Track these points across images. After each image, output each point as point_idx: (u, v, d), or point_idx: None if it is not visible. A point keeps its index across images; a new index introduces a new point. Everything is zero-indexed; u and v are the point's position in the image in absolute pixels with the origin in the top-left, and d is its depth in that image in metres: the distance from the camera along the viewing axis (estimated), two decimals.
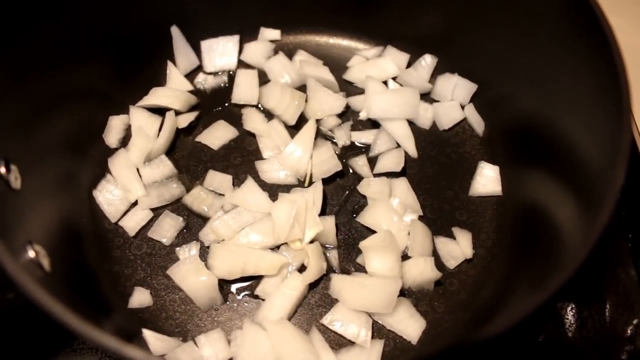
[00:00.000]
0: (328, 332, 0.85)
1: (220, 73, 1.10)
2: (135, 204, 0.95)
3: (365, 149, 1.03)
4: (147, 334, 0.82)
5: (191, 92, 1.07)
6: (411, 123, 1.04)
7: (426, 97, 1.08)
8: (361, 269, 0.90)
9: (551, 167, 0.87)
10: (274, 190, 0.97)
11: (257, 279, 0.89)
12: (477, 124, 1.04)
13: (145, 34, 1.03)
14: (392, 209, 0.93)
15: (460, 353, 0.65)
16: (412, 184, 0.97)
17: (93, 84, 0.99)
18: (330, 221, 0.92)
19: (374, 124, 1.05)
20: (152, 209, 0.95)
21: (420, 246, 0.91)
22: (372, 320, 0.85)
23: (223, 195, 0.96)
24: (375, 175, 0.99)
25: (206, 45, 1.10)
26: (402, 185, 0.97)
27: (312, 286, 0.89)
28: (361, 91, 1.07)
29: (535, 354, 0.90)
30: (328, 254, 0.92)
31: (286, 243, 0.89)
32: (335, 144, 1.02)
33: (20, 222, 0.74)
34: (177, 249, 0.92)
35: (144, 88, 1.04)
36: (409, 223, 0.92)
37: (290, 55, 1.11)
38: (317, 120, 1.02)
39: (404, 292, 0.89)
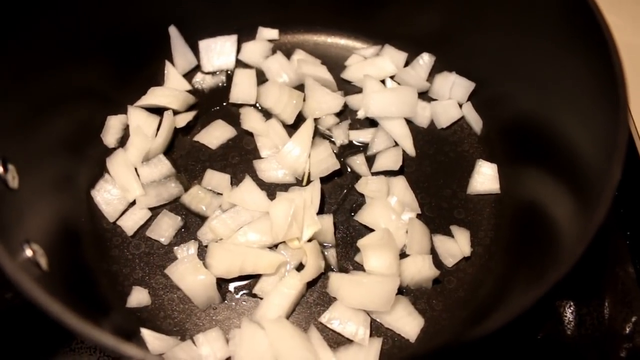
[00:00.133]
0: (326, 331, 0.85)
1: (218, 73, 1.10)
2: (133, 203, 0.95)
3: (363, 147, 1.03)
4: (146, 333, 0.82)
5: (189, 91, 1.07)
6: (409, 122, 1.04)
7: (424, 95, 1.08)
8: (359, 267, 0.90)
9: (549, 165, 0.87)
10: (272, 189, 0.97)
11: (255, 277, 0.89)
12: (475, 122, 1.04)
13: (144, 34, 1.03)
14: (390, 207, 0.94)
15: (459, 351, 0.65)
16: (410, 182, 0.97)
17: (91, 84, 0.99)
18: (328, 220, 0.92)
19: (372, 122, 1.05)
20: (151, 209, 0.95)
21: (419, 244, 0.91)
22: (370, 319, 0.85)
23: (221, 194, 0.96)
24: (373, 174, 0.99)
25: (204, 45, 1.10)
26: (400, 184, 0.97)
27: (310, 285, 0.89)
28: (359, 90, 1.07)
29: (534, 351, 0.90)
30: (326, 253, 0.92)
31: (284, 242, 0.89)
32: (333, 142, 1.02)
33: (18, 222, 0.74)
34: (175, 248, 0.92)
35: (142, 88, 1.04)
36: (407, 221, 0.92)
37: (288, 54, 1.11)
38: (315, 119, 1.02)
39: (402, 290, 0.89)
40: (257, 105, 1.06)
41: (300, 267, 0.89)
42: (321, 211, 0.95)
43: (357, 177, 0.99)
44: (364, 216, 0.94)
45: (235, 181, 0.98)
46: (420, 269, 0.88)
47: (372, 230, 0.93)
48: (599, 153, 0.71)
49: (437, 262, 0.91)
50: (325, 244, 0.92)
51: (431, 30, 1.06)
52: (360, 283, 0.85)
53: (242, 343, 0.81)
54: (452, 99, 1.06)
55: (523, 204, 0.92)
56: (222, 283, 0.89)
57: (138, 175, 0.96)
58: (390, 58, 1.09)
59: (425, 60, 1.08)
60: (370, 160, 1.01)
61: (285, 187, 0.97)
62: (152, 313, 0.87)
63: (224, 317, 0.87)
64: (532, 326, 0.91)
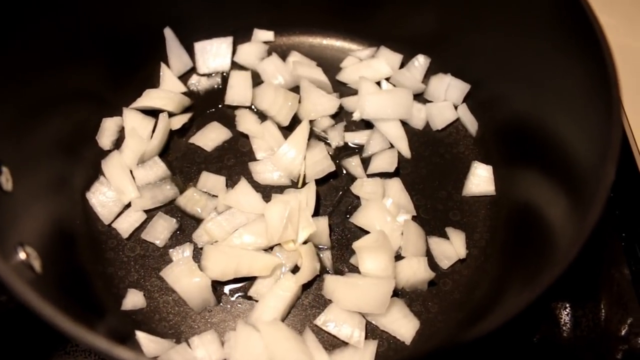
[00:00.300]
0: (322, 333, 0.85)
1: (213, 74, 1.10)
2: (128, 205, 0.95)
3: (359, 149, 1.03)
4: (141, 335, 0.82)
5: (184, 93, 1.07)
6: (404, 123, 1.04)
7: (419, 97, 1.08)
8: (354, 269, 0.90)
9: (544, 166, 0.87)
10: (267, 191, 0.97)
11: (250, 280, 0.89)
12: (470, 124, 1.04)
13: (139, 36, 1.03)
14: (385, 209, 0.93)
15: (454, 353, 0.65)
16: (406, 184, 0.97)
17: (86, 85, 0.99)
18: (323, 222, 0.92)
19: (367, 124, 1.05)
20: (146, 211, 0.95)
21: (414, 246, 0.91)
22: (365, 321, 0.85)
23: (216, 196, 0.95)
24: (369, 176, 0.99)
25: (199, 46, 1.10)
26: (396, 186, 0.97)
27: (306, 287, 0.89)
28: (354, 92, 1.07)
29: (531, 353, 0.90)
30: (321, 255, 0.91)
31: (279, 244, 0.89)
32: (328, 144, 1.02)
33: (12, 224, 0.74)
34: (171, 250, 0.91)
35: (137, 90, 1.04)
36: (403, 223, 0.92)
37: (283, 56, 1.11)
38: (311, 121, 1.02)
39: (397, 293, 0.89)
40: (253, 107, 1.06)
41: (295, 270, 0.89)
42: (316, 213, 0.95)
43: (352, 179, 0.99)
44: (359, 218, 0.94)
45: (231, 183, 0.98)
46: (415, 271, 0.88)
47: (367, 232, 0.92)
48: (593, 153, 0.71)
49: (432, 264, 0.91)
50: (320, 246, 0.92)
51: (426, 32, 1.06)
52: (355, 285, 0.85)
53: (238, 346, 0.81)
54: (448, 101, 1.06)
55: (518, 205, 0.92)
56: (217, 285, 0.88)
57: (133, 177, 0.96)
58: (386, 60, 1.09)
59: (421, 62, 1.08)
60: (365, 162, 1.01)
61: (280, 189, 0.97)
62: (147, 316, 0.87)
63: (219, 319, 0.87)
64: (528, 328, 0.91)
